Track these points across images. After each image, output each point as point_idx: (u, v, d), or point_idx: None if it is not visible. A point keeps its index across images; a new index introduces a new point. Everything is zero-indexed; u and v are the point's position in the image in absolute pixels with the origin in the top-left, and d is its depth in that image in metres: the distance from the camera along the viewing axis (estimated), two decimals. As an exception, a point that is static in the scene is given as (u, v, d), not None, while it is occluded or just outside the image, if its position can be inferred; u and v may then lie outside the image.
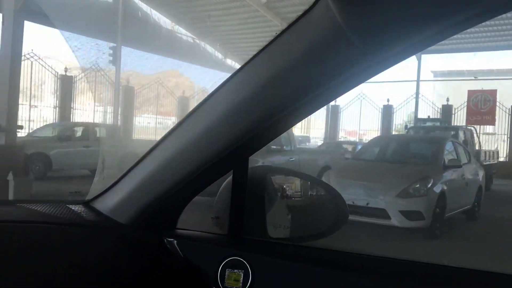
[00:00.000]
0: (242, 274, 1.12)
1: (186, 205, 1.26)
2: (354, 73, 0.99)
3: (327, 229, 1.32)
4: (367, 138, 22.29)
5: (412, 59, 22.81)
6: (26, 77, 16.35)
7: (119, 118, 20.13)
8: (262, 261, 1.13)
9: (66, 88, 19.13)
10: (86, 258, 1.08)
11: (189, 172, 1.16)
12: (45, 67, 18.62)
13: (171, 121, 24.42)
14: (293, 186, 1.45)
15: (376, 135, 20.67)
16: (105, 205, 1.29)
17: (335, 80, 1.01)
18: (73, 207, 1.31)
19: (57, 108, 19.21)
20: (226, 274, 1.13)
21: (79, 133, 13.56)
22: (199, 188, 1.22)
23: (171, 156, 1.19)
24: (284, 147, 11.00)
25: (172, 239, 1.22)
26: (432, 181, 7.53)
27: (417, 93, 24.07)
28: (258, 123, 1.09)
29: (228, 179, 1.27)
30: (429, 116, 21.25)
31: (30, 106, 18.52)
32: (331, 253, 1.18)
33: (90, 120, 19.82)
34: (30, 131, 15.47)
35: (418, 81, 24.52)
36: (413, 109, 23.58)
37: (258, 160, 6.58)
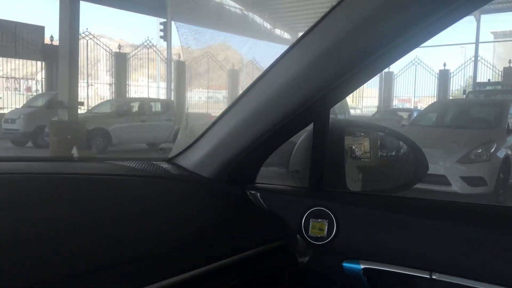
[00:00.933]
0: (327, 223, 1.14)
1: (267, 158, 1.29)
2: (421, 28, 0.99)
3: (408, 182, 1.31)
4: (422, 105, 21.61)
5: (471, 20, 21.68)
6: (82, 56, 16.89)
7: (172, 93, 20.53)
8: (346, 210, 1.15)
9: (120, 65, 19.63)
10: (174, 208, 1.13)
11: (271, 125, 1.18)
12: (99, 45, 19.16)
13: (221, 95, 24.61)
14: (363, 146, 1.45)
15: (431, 102, 20.01)
16: (188, 161, 1.34)
17: (402, 37, 1.02)
18: (158, 163, 1.37)
19: (112, 85, 19.80)
20: (310, 223, 1.16)
21: (135, 108, 13.94)
22: (280, 141, 1.24)
23: (252, 110, 1.21)
24: (338, 115, 10.88)
25: (254, 192, 1.26)
26: (495, 145, 7.24)
27: (476, 56, 22.93)
28: (335, 76, 1.09)
29: (307, 132, 1.28)
30: (489, 80, 20.27)
31: (88, 84, 19.20)
32: (415, 201, 1.18)
33: (144, 95, 20.31)
34: (89, 108, 16.08)
35: (477, 43, 23.33)
36: (472, 73, 22.53)
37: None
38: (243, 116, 1.23)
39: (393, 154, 1.43)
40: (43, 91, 17.56)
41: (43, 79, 18.32)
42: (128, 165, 1.31)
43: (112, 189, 1.12)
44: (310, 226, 1.16)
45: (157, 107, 14.55)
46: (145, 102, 14.55)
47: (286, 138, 1.25)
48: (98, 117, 13.15)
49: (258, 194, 1.25)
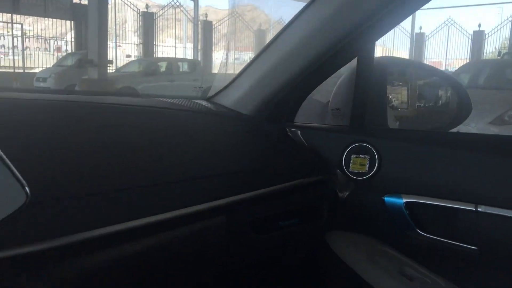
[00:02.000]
0: (368, 158, 1.14)
1: (307, 96, 1.28)
2: None
3: (452, 122, 1.30)
4: (453, 69, 20.97)
5: (509, -22, 20.65)
6: (110, 16, 16.86)
7: (199, 53, 20.41)
8: (387, 145, 1.15)
9: (147, 25, 19.55)
10: (218, 140, 1.14)
11: (312, 61, 1.17)
12: (127, 5, 19.06)
13: (247, 56, 24.34)
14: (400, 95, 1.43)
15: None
16: (227, 99, 1.35)
17: None
18: (197, 101, 1.38)
19: (140, 45, 19.79)
20: (351, 159, 1.16)
21: (163, 68, 13.96)
22: (321, 78, 1.23)
23: (292, 46, 1.20)
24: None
25: (294, 129, 1.26)
26: (530, 107, 7.01)
27: (514, 16, 21.95)
28: (379, 6, 1.07)
29: (349, 69, 1.27)
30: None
31: (116, 44, 19.24)
32: (457, 135, 1.17)
33: (171, 55, 20.26)
34: (118, 67, 16.17)
35: (515, 3, 22.28)
36: (508, 35, 21.65)
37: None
38: (284, 52, 1.22)
39: (436, 94, 1.40)
40: (73, 51, 17.70)
41: (73, 39, 18.43)
42: (170, 101, 1.32)
43: (163, 120, 1.13)
44: (351, 161, 1.16)
45: (184, 67, 14.53)
46: (172, 62, 14.53)
47: (327, 75, 1.23)
48: (126, 76, 13.24)
49: (299, 131, 1.25)
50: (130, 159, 0.87)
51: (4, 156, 0.63)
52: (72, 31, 18.42)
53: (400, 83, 1.36)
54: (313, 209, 1.15)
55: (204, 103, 1.38)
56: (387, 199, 1.12)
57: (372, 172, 1.14)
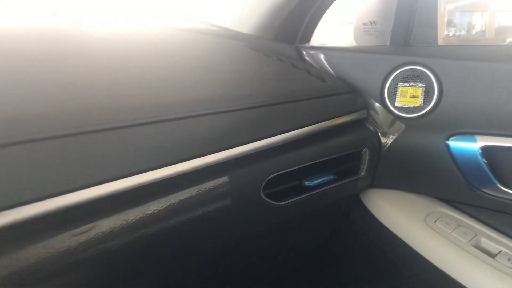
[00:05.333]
0: (423, 87, 0.80)
1: (324, 12, 0.93)
2: None
3: None
4: None
5: None
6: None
7: None
8: (450, 68, 0.80)
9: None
10: (210, 67, 0.79)
11: None
12: None
13: None
14: None
15: None
16: (227, 18, 1.00)
17: None
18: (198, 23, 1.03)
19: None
20: (398, 90, 0.82)
21: None
22: None
23: None
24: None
25: (313, 51, 0.91)
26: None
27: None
28: None
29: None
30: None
31: None
32: None
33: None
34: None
35: None
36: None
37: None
38: None
39: None
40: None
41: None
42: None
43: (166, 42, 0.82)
44: (398, 93, 0.82)
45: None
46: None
47: None
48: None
49: (321, 55, 0.90)
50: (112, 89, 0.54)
51: None
52: None
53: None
54: (350, 160, 0.82)
55: (202, 25, 1.02)
56: (452, 143, 0.78)
57: (429, 107, 0.80)
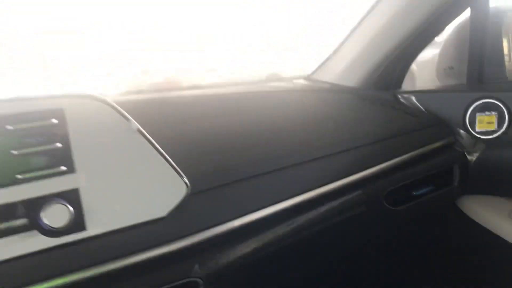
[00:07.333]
0: (496, 115, 1.06)
1: (412, 61, 1.22)
2: None
3: None
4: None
5: None
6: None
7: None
8: (510, 97, 1.06)
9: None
10: (335, 118, 1.09)
11: (421, 22, 1.10)
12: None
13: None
14: None
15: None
16: (328, 74, 1.31)
17: None
18: (297, 81, 1.36)
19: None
20: (477, 118, 1.09)
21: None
22: (431, 37, 1.16)
23: (397, 10, 1.13)
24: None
25: (406, 95, 1.20)
26: None
27: None
28: None
29: (458, 24, 1.19)
30: None
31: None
32: None
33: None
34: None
35: None
36: None
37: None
38: (387, 18, 1.16)
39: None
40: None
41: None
42: (271, 84, 1.30)
43: (278, 103, 1.10)
44: (477, 121, 1.09)
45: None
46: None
47: (437, 33, 1.16)
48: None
49: (412, 97, 1.19)
50: (263, 143, 0.86)
51: (163, 151, 0.64)
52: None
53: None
54: (444, 174, 1.09)
55: (305, 81, 1.35)
56: None
57: (502, 129, 1.06)
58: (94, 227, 0.59)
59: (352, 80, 1.24)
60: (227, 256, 0.70)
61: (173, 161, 0.65)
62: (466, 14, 1.14)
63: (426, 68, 1.46)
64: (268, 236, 0.76)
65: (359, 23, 1.25)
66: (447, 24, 1.14)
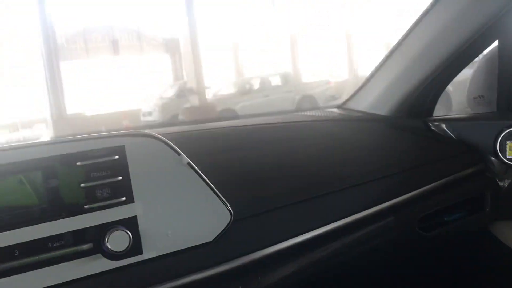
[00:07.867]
0: None
1: (445, 88, 1.26)
2: None
3: None
4: None
5: None
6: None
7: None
8: None
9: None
10: (368, 147, 1.14)
11: (450, 53, 1.15)
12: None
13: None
14: None
15: None
16: (361, 103, 1.36)
17: None
18: (331, 110, 1.42)
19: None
20: (507, 145, 1.12)
21: (256, 86, 14.28)
22: (460, 67, 1.20)
23: (427, 41, 1.18)
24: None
25: (437, 123, 1.24)
26: None
27: None
28: None
29: (487, 53, 1.23)
30: None
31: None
32: None
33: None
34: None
35: None
36: None
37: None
38: (419, 48, 1.21)
39: None
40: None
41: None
42: (305, 113, 1.37)
43: (312, 133, 1.16)
44: (508, 148, 1.12)
45: (277, 81, 14.74)
46: (264, 78, 14.82)
47: (466, 63, 1.20)
48: (225, 99, 13.73)
49: (443, 125, 1.23)
50: (299, 173, 0.92)
51: (210, 182, 0.71)
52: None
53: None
54: (476, 201, 1.12)
55: (338, 110, 1.40)
56: None
57: None
58: (149, 251, 0.66)
59: (384, 109, 1.29)
60: (268, 278, 0.75)
61: (218, 190, 0.72)
62: (494, 44, 1.18)
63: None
64: (306, 260, 0.81)
65: (391, 52, 1.30)
66: (477, 54, 1.18)
